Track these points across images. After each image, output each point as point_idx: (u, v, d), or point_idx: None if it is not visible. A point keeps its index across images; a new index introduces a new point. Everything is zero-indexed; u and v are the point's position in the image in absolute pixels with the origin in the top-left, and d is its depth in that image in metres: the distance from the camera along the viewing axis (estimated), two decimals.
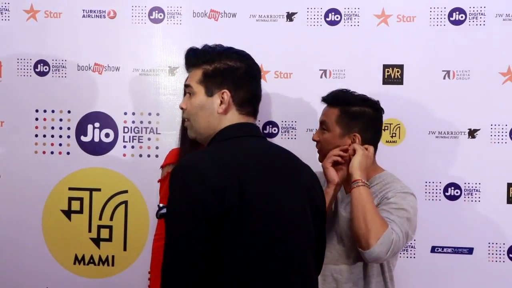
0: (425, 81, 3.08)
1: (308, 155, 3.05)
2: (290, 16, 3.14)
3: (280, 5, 3.14)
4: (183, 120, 2.76)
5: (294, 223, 2.02)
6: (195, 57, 2.14)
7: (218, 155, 1.98)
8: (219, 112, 2.06)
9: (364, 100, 2.63)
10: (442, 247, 3.08)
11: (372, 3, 3.11)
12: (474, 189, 3.06)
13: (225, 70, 2.08)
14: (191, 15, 3.18)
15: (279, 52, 3.14)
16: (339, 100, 2.62)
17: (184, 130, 2.77)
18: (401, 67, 3.09)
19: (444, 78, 3.07)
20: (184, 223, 1.90)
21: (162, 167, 2.92)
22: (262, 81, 3.05)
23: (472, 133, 3.07)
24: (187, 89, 2.15)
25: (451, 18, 3.07)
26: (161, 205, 2.37)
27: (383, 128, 2.94)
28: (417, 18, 3.09)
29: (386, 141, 3.09)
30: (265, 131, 3.15)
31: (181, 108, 2.19)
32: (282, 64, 3.14)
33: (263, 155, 2.06)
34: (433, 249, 3.09)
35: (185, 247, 1.88)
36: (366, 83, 3.02)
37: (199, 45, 3.10)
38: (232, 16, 3.16)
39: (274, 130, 3.16)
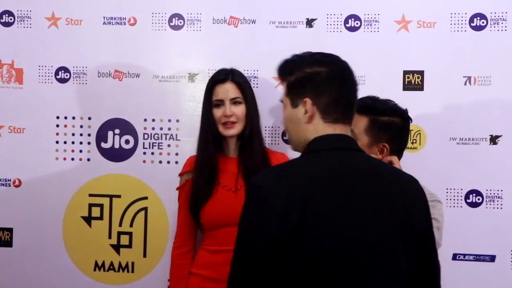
0: (445, 87, 3.06)
1: None
2: (309, 22, 3.14)
3: (300, 11, 3.14)
4: (201, 128, 2.81)
5: (369, 248, 1.87)
6: (280, 72, 2.12)
7: (287, 173, 1.94)
8: (305, 122, 2.00)
9: (393, 110, 2.60)
10: (464, 255, 3.05)
11: (392, 9, 3.10)
12: (496, 196, 3.04)
13: (304, 78, 2.02)
14: (211, 22, 3.18)
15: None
16: (369, 109, 2.57)
17: (201, 137, 2.81)
18: (421, 73, 3.08)
19: (465, 84, 3.05)
20: (243, 243, 1.90)
21: (180, 175, 2.92)
22: (281, 87, 3.10)
23: (493, 139, 3.04)
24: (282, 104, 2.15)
25: (472, 24, 3.05)
26: None
27: None
28: (437, 24, 3.07)
29: (407, 148, 3.06)
30: (284, 137, 3.14)
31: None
32: None
33: (341, 171, 1.94)
34: (455, 257, 3.06)
35: (242, 268, 1.88)
36: (386, 89, 3.00)
37: (218, 51, 3.14)
38: (252, 23, 3.16)
39: None
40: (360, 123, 2.56)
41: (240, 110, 2.79)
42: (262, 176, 1.98)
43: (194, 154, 2.92)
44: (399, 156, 2.60)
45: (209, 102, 2.83)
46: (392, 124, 2.57)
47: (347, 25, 3.13)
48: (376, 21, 3.11)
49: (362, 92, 2.68)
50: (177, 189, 2.91)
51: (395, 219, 1.91)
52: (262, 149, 2.86)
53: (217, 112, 2.80)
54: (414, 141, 3.08)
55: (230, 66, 2.91)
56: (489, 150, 3.04)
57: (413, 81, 3.08)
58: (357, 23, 3.12)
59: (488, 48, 3.05)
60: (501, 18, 3.03)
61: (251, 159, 2.79)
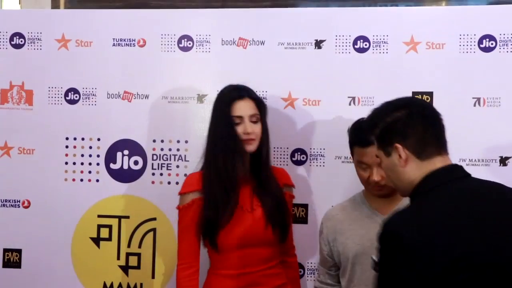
0: (455, 108, 3.05)
1: (337, 183, 3.07)
2: (318, 44, 3.14)
3: (309, 32, 3.15)
4: (223, 146, 2.71)
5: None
6: (367, 131, 2.23)
7: (422, 215, 1.94)
8: (401, 166, 2.06)
9: None
10: None
11: (401, 30, 3.10)
12: None
13: (387, 127, 2.10)
14: (220, 43, 3.20)
15: (307, 79, 3.14)
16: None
17: (226, 155, 2.70)
18: (430, 94, 3.07)
19: (475, 105, 3.04)
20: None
21: (182, 193, 2.79)
22: (290, 108, 3.11)
23: (503, 161, 3.02)
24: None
25: (481, 45, 3.05)
26: (375, 258, 2.25)
27: None
28: (446, 45, 3.07)
29: None
30: (293, 158, 3.14)
31: None
32: (310, 91, 3.14)
33: (468, 200, 1.97)
34: None
35: None
36: None
37: (227, 72, 3.15)
38: (261, 44, 3.17)
39: (303, 157, 3.15)
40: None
41: (257, 128, 2.73)
42: (398, 222, 1.96)
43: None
44: None
45: (228, 119, 2.72)
46: None
47: (355, 46, 3.13)
48: (385, 42, 3.11)
49: None
50: (178, 207, 2.79)
51: None
52: (271, 167, 2.84)
53: (237, 129, 2.71)
54: None
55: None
56: (499, 172, 3.02)
57: None
58: (366, 44, 3.12)
59: (497, 70, 3.04)
60: (510, 40, 3.03)
61: (268, 179, 2.76)
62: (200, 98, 3.21)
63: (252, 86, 2.98)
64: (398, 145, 2.05)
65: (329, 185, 3.11)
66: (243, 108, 2.72)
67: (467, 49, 3.06)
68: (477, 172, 2.97)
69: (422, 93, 3.07)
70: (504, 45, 3.03)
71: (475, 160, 3.04)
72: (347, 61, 3.12)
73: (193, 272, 2.74)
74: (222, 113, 2.75)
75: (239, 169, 2.72)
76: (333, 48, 3.14)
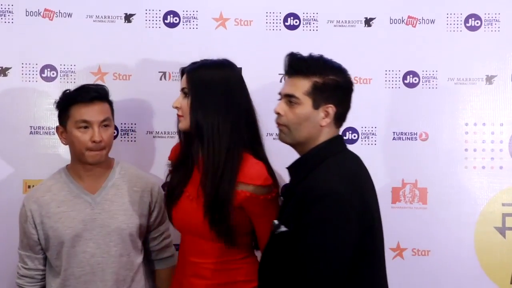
0: (263, 82, 3.07)
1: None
2: (128, 18, 3.11)
3: (118, 6, 3.11)
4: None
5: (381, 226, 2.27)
6: (304, 66, 2.20)
7: (345, 174, 2.14)
8: (322, 125, 2.19)
9: None
10: None
11: (210, 6, 3.13)
12: None
13: (332, 85, 2.18)
14: (24, 14, 3.06)
15: (117, 52, 3.11)
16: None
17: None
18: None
19: (281, 81, 3.12)
20: (331, 248, 2.03)
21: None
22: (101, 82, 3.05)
23: None
24: (288, 98, 2.19)
25: (286, 23, 3.14)
26: (276, 222, 2.21)
27: None
28: (254, 22, 3.13)
29: None
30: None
31: (277, 113, 2.22)
32: (120, 65, 3.10)
33: (360, 165, 2.27)
34: None
35: (331, 269, 2.03)
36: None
37: (33, 44, 3.02)
38: (68, 16, 3.08)
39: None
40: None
41: (185, 102, 2.50)
42: (333, 182, 2.10)
43: None
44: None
45: None
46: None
47: (166, 21, 3.12)
48: (194, 18, 3.12)
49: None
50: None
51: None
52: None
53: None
54: None
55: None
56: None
57: None
58: (176, 20, 3.12)
59: (301, 47, 3.13)
60: (313, 18, 3.12)
61: (201, 168, 2.49)
62: (4, 71, 3.06)
63: (59, 59, 3.03)
64: (333, 107, 2.18)
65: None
66: None
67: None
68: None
69: None
70: (307, 23, 3.13)
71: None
72: (157, 36, 3.12)
73: None
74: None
75: (178, 149, 2.65)
76: (143, 22, 3.12)
